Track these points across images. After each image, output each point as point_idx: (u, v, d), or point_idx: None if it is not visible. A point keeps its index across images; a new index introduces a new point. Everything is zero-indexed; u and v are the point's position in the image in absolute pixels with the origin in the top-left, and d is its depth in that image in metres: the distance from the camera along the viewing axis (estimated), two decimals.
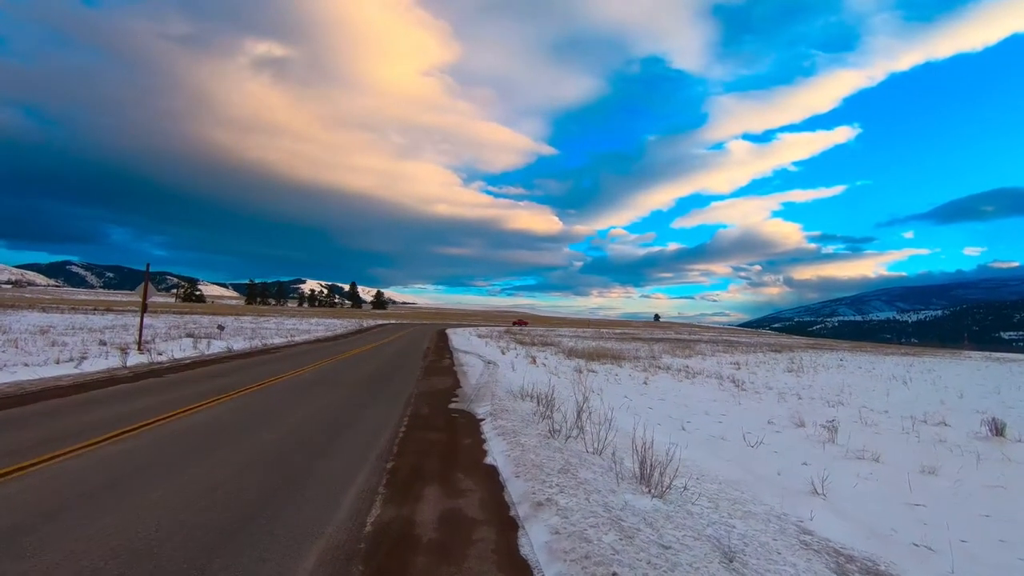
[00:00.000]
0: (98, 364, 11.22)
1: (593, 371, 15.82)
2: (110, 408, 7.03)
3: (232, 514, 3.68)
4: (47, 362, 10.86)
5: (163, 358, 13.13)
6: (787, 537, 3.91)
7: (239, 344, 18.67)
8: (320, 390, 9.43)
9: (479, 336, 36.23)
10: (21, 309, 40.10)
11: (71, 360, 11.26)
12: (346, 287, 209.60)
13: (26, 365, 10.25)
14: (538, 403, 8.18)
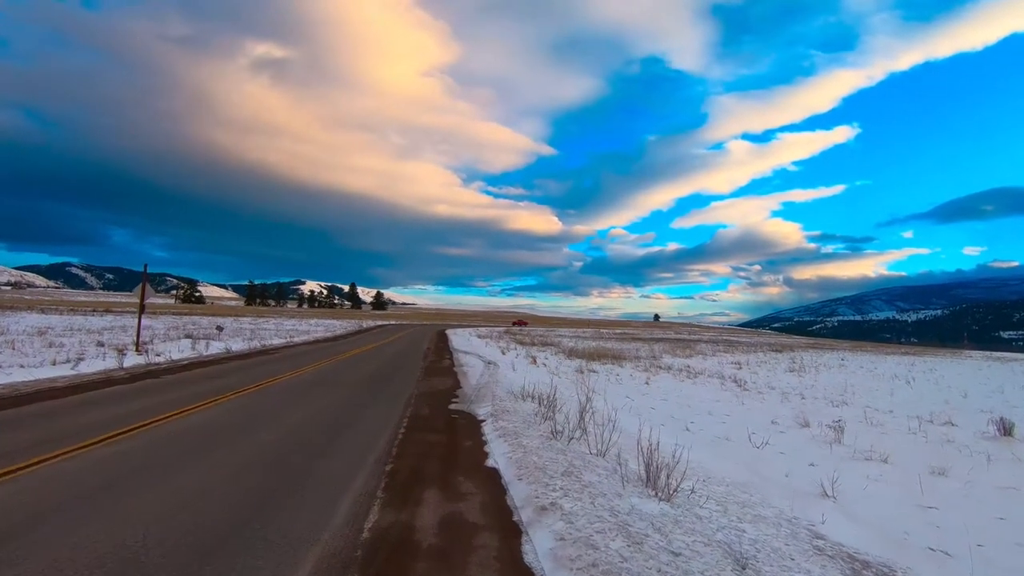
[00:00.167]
0: (95, 365, 11.09)
1: (594, 371, 15.70)
2: (106, 409, 6.91)
3: (226, 518, 3.57)
4: (43, 363, 10.74)
5: (161, 359, 13.01)
6: (799, 542, 3.79)
7: (238, 345, 18.53)
8: (319, 391, 9.31)
9: (479, 336, 36.09)
10: (20, 311, 39.95)
11: (68, 361, 11.14)
12: (346, 288, 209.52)
13: (22, 366, 10.13)
14: (539, 404, 8.05)
